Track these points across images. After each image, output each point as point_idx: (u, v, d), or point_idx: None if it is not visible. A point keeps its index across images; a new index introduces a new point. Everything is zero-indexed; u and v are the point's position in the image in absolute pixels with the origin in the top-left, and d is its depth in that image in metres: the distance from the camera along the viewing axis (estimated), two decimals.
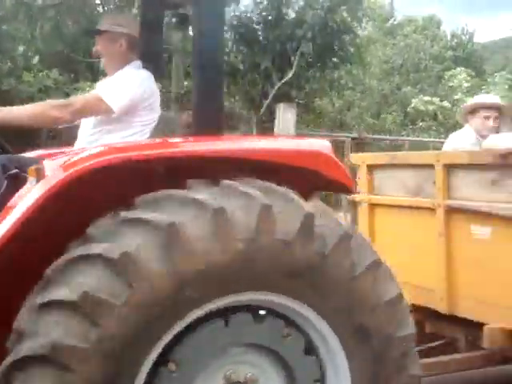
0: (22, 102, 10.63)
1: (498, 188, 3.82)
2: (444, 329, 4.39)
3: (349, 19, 12.23)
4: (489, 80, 14.27)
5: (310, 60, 11.69)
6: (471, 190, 4.00)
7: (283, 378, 2.41)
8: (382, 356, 2.49)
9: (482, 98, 5.12)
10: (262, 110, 11.28)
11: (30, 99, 10.70)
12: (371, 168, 4.77)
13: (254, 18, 11.31)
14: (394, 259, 4.66)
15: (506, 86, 13.25)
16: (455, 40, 17.87)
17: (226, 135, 2.92)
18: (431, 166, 4.16)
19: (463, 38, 18.09)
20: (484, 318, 3.93)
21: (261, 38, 11.33)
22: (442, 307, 4.17)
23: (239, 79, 11.11)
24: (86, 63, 12.48)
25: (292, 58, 11.20)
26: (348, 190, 2.83)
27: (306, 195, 2.56)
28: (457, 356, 4.40)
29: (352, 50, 12.02)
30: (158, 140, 2.97)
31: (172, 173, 2.37)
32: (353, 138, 12.11)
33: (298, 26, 11.27)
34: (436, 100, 13.53)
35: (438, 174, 4.15)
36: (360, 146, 12.68)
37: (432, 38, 16.98)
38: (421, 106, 13.39)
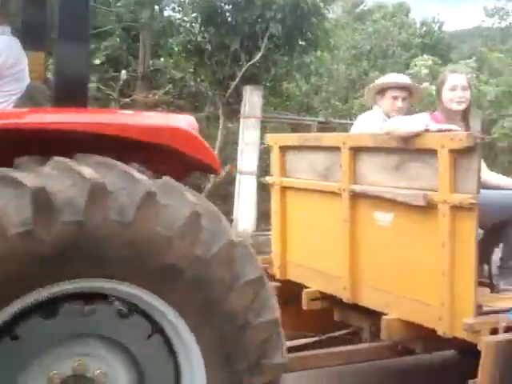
0: None
1: (400, 173, 3.69)
2: (351, 318, 4.25)
3: (320, 3, 12.17)
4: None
5: (279, 43, 11.61)
6: (376, 175, 3.86)
7: (110, 349, 2.35)
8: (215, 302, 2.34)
9: (390, 78, 4.85)
10: (229, 92, 11.21)
11: None
12: (283, 149, 4.58)
13: None
14: (305, 245, 4.45)
15: (475, 75, 13.27)
16: (424, 28, 17.88)
17: (89, 108, 2.74)
18: (339, 149, 4.00)
19: (433, 25, 18.11)
20: (384, 308, 3.81)
21: (229, 19, 11.21)
22: (345, 295, 4.05)
23: (206, 60, 11.00)
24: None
25: (260, 40, 11.11)
26: (213, 171, 2.67)
27: (177, 176, 2.41)
28: (359, 347, 4.31)
29: (321, 33, 11.97)
30: (10, 110, 2.78)
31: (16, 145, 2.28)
32: (319, 122, 12.11)
33: (268, 8, 11.17)
34: None
35: (344, 158, 3.98)
36: (326, 130, 12.67)
37: (400, 25, 17.00)
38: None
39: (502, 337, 3.28)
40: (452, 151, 3.35)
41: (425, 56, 14.84)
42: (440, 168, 3.42)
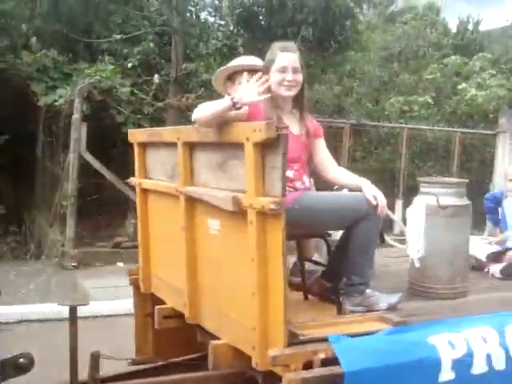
0: (22, 81, 10.56)
1: (223, 172, 3.21)
2: (209, 339, 3.53)
3: (351, 4, 12.17)
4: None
5: (311, 45, 11.62)
6: (206, 175, 3.39)
7: None
8: None
9: (238, 61, 4.22)
10: None
11: (29, 79, 10.61)
12: (142, 147, 4.13)
13: (256, 2, 11.21)
14: (161, 254, 4.08)
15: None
16: (461, 26, 17.65)
17: None
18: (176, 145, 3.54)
19: (469, 26, 17.90)
20: (217, 331, 3.30)
21: (262, 22, 11.25)
22: (187, 314, 3.56)
23: None
24: (85, 43, 12.38)
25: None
26: None
27: None
28: (191, 375, 3.72)
29: (352, 35, 11.98)
30: None
31: None
32: (352, 125, 12.10)
33: (299, 11, 11.20)
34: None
35: (179, 155, 3.47)
36: (359, 132, 12.65)
37: (431, 25, 16.85)
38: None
39: (309, 373, 2.67)
40: (256, 145, 2.82)
41: (452, 57, 14.76)
42: (246, 165, 2.90)
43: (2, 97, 10.90)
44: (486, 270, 4.75)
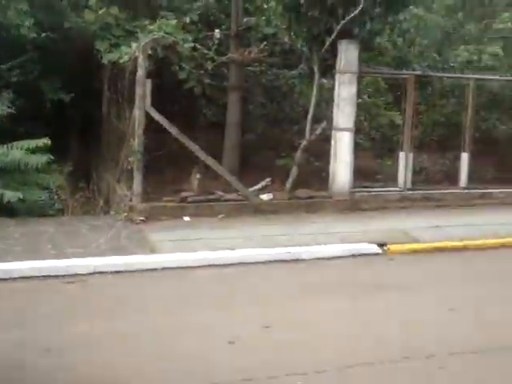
0: (86, 39, 10.69)
1: None
2: None
3: None
4: None
5: None
6: None
7: None
8: None
9: None
10: (325, 47, 11.08)
11: (93, 37, 10.72)
12: None
13: None
14: None
15: None
16: None
17: None
18: None
19: None
20: None
21: None
22: None
23: (302, 16, 10.87)
24: (144, 0, 12.40)
25: None
26: None
27: None
28: None
29: None
30: None
31: None
32: (416, 76, 11.83)
33: None
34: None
35: None
36: (423, 83, 12.37)
37: None
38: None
39: None
40: None
41: None
42: None
43: (68, 56, 11.07)
44: None
